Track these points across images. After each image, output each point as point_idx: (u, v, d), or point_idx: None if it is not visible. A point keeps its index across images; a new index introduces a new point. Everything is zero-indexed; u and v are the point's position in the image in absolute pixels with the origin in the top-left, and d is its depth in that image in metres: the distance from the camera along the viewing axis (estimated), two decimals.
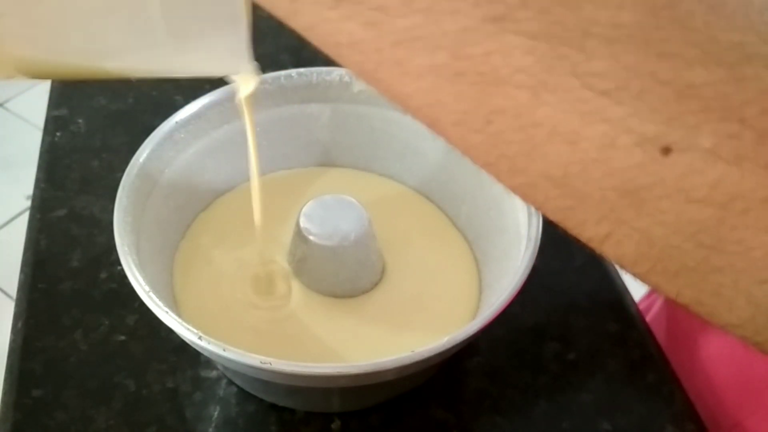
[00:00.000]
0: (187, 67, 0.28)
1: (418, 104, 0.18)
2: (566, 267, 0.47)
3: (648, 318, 0.53)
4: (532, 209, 0.37)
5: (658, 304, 0.53)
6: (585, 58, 0.16)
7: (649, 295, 0.57)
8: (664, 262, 0.18)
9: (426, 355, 0.31)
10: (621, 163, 0.17)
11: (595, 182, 0.17)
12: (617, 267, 0.20)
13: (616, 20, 0.16)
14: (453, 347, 0.32)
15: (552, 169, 0.18)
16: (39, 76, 0.28)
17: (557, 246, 0.47)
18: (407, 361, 0.31)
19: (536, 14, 0.16)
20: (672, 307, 0.51)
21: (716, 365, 0.45)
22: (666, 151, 0.16)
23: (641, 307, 0.55)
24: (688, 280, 0.18)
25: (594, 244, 0.19)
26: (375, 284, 0.41)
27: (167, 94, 0.57)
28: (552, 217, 0.19)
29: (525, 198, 0.19)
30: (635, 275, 0.19)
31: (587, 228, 0.19)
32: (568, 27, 0.16)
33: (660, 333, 0.44)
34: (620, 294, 0.46)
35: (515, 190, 0.19)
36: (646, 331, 0.44)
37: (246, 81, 0.33)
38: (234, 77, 0.33)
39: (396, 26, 0.17)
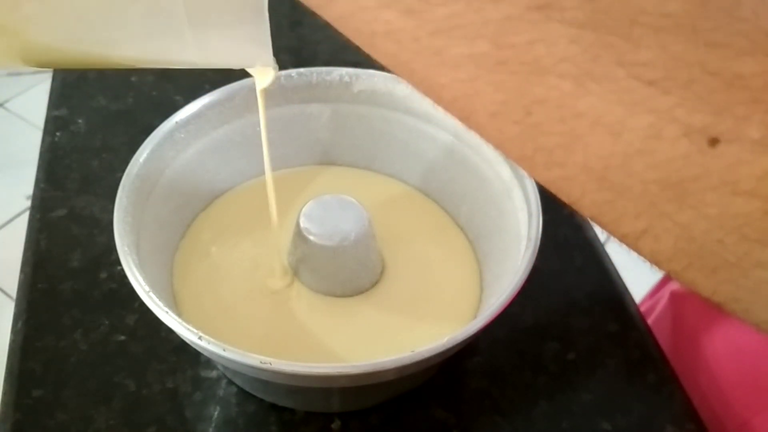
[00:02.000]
0: (205, 58, 0.27)
1: (453, 95, 0.18)
2: (566, 267, 0.47)
3: (652, 318, 0.53)
4: (533, 209, 0.37)
5: (662, 304, 0.53)
6: (632, 48, 0.16)
7: (652, 295, 0.57)
8: (703, 258, 0.18)
9: (426, 355, 0.31)
10: (666, 154, 0.16)
11: (637, 175, 0.17)
12: (650, 264, 0.19)
13: (664, 9, 0.16)
14: (453, 347, 0.32)
15: (592, 162, 0.17)
16: (50, 64, 0.28)
17: (557, 246, 0.47)
18: (407, 361, 0.31)
19: (582, 3, 0.16)
20: (678, 306, 0.51)
21: (722, 365, 0.45)
22: (713, 142, 0.16)
23: (644, 307, 0.55)
24: (727, 276, 0.18)
25: (629, 241, 0.19)
26: (375, 283, 0.41)
27: (167, 94, 0.57)
28: (587, 212, 0.19)
29: (559, 193, 0.19)
30: (670, 272, 0.19)
31: (624, 223, 0.18)
32: (615, 16, 0.16)
33: (665, 333, 0.44)
34: (620, 294, 0.46)
35: (550, 184, 0.19)
36: (646, 331, 0.44)
37: (264, 73, 0.33)
38: (252, 71, 0.33)
39: (436, 14, 0.16)
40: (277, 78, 0.44)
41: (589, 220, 0.19)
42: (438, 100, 0.18)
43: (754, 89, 0.16)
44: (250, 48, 0.27)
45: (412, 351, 0.31)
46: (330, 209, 0.40)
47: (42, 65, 0.27)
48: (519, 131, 0.18)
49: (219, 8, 0.25)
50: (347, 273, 0.40)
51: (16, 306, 0.43)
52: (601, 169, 0.17)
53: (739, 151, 0.16)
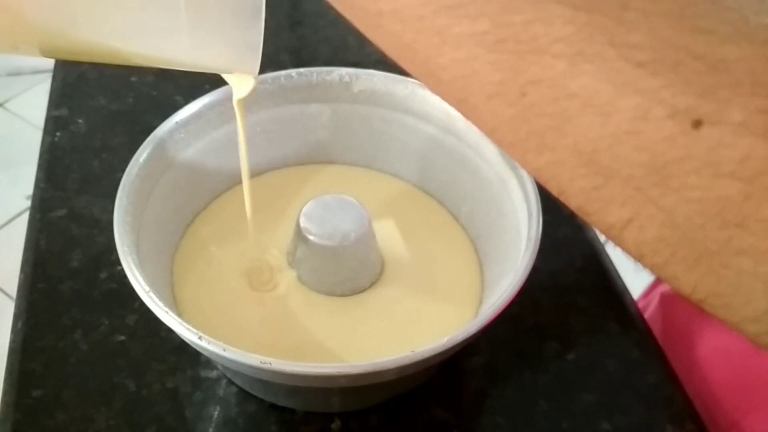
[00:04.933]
0: (197, 59, 0.28)
1: (453, 76, 0.18)
2: (566, 267, 0.47)
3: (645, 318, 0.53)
4: (533, 209, 0.37)
5: (655, 303, 0.53)
6: (623, 30, 0.16)
7: (646, 295, 0.57)
8: (685, 248, 0.18)
9: (426, 355, 0.31)
10: (652, 136, 0.17)
11: (624, 158, 0.17)
12: (634, 260, 0.19)
13: None
14: (453, 347, 0.32)
15: (582, 144, 0.18)
16: (55, 54, 0.28)
17: (557, 246, 0.47)
18: (407, 361, 0.31)
19: None
20: (668, 308, 0.51)
21: (713, 365, 0.45)
22: (697, 124, 0.16)
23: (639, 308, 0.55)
24: (708, 267, 0.18)
25: (614, 232, 0.19)
26: (375, 283, 0.41)
27: (167, 94, 0.57)
28: (575, 201, 0.19)
29: (549, 181, 0.19)
30: (653, 266, 0.19)
31: (611, 211, 0.18)
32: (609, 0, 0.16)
33: (656, 333, 0.44)
34: (620, 294, 0.46)
35: (540, 171, 0.19)
36: (646, 331, 0.44)
37: (242, 83, 0.33)
38: (230, 80, 0.33)
39: None
40: (277, 78, 0.44)
41: (576, 211, 0.19)
42: (437, 82, 0.19)
43: (736, 73, 0.16)
44: (244, 52, 0.27)
45: (412, 351, 0.31)
46: (330, 209, 0.40)
47: (51, 53, 0.27)
48: (513, 113, 0.18)
49: (218, 8, 0.25)
50: (347, 273, 0.40)
51: (16, 306, 0.43)
52: (590, 152, 0.18)
53: (722, 134, 0.16)
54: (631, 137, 0.17)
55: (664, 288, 0.53)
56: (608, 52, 0.16)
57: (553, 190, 0.19)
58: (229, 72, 0.31)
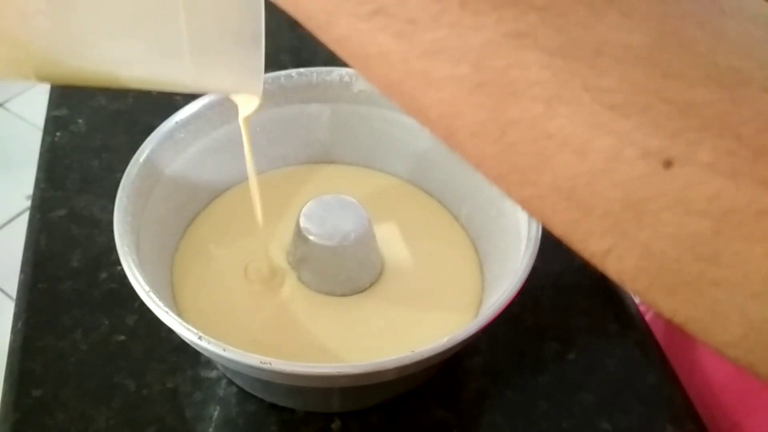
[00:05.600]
0: (201, 83, 0.29)
1: (437, 115, 0.19)
2: (566, 267, 0.47)
3: (646, 319, 0.53)
4: None
5: None
6: (596, 75, 0.17)
7: None
8: (663, 277, 0.19)
9: (426, 355, 0.31)
10: (626, 174, 0.17)
11: (600, 194, 0.18)
12: (618, 283, 0.21)
13: (627, 42, 0.17)
14: (453, 347, 0.32)
15: (561, 181, 0.18)
16: (53, 80, 0.28)
17: (557, 246, 0.47)
18: (407, 361, 0.31)
19: (554, 33, 0.17)
20: None
21: (714, 366, 0.45)
22: (668, 164, 0.17)
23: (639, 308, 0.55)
24: (686, 296, 0.19)
25: (596, 260, 0.20)
26: (375, 283, 0.41)
27: (167, 94, 0.57)
28: (558, 231, 0.20)
29: (532, 212, 0.20)
30: (634, 292, 0.20)
31: (591, 242, 0.19)
32: (582, 45, 0.17)
33: (659, 334, 0.44)
34: (620, 294, 0.46)
35: (524, 203, 0.20)
36: (646, 331, 0.44)
37: (248, 102, 0.33)
38: (236, 98, 0.33)
39: (424, 38, 0.18)
40: (277, 78, 0.44)
41: (561, 239, 0.20)
42: (425, 119, 0.20)
43: (705, 117, 0.17)
44: (244, 75, 0.28)
45: (412, 351, 0.31)
46: (330, 209, 0.40)
47: (49, 79, 0.28)
48: (496, 151, 0.19)
49: (219, 35, 0.26)
50: (347, 273, 0.40)
51: (16, 306, 0.43)
52: (569, 188, 0.18)
53: (692, 174, 0.17)
54: (606, 175, 0.18)
55: None
56: (582, 96, 0.17)
57: (538, 219, 0.20)
58: (235, 92, 0.32)
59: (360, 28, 0.19)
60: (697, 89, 0.17)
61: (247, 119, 0.35)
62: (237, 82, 0.29)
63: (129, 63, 0.27)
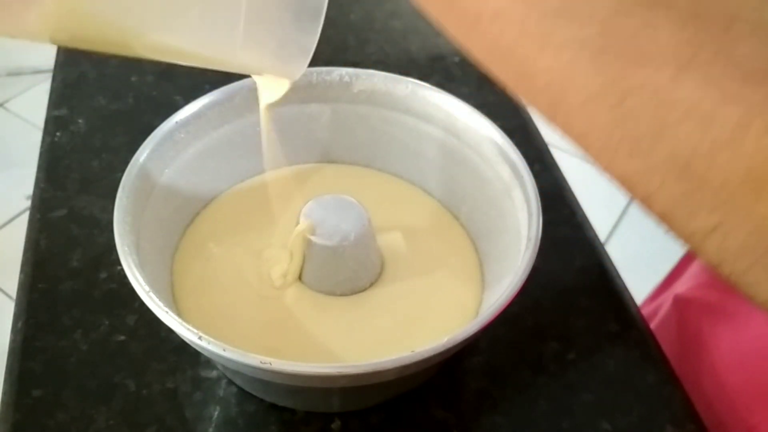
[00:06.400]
0: (245, 58, 0.26)
1: (549, 79, 0.18)
2: (566, 267, 0.47)
3: (654, 323, 0.53)
4: (533, 209, 0.37)
5: (665, 308, 0.53)
6: (731, 42, 0.16)
7: (652, 299, 0.57)
8: None
9: (426, 355, 0.31)
10: (752, 146, 0.17)
11: (720, 166, 0.17)
12: (711, 265, 0.19)
13: (762, 12, 0.17)
14: (453, 347, 0.32)
15: (678, 151, 0.17)
16: (84, 39, 0.26)
17: (557, 246, 0.47)
18: (407, 361, 0.31)
19: None
20: (682, 311, 0.51)
21: (728, 369, 0.44)
22: None
23: (644, 311, 0.55)
24: None
25: (696, 239, 0.19)
26: (375, 283, 0.41)
27: (167, 94, 0.57)
28: (660, 207, 0.19)
29: (635, 185, 0.19)
30: (732, 273, 0.19)
31: (698, 218, 0.18)
32: (717, 12, 0.16)
33: (669, 338, 0.44)
34: (620, 294, 0.46)
35: (628, 176, 0.19)
36: (646, 331, 0.44)
37: (274, 87, 0.31)
38: (261, 82, 0.32)
39: (548, 2, 0.17)
40: None
41: (659, 217, 0.19)
42: (529, 86, 0.19)
43: None
44: (292, 53, 0.26)
45: (412, 351, 0.31)
46: (330, 209, 0.40)
47: (74, 39, 0.26)
48: (609, 119, 0.18)
49: (280, 5, 0.24)
50: (347, 273, 0.40)
51: (16, 306, 0.43)
52: (686, 159, 0.17)
53: None
54: (730, 147, 0.17)
55: (678, 290, 0.52)
56: (715, 63, 0.17)
57: (638, 194, 0.19)
58: (272, 73, 0.30)
59: None
60: None
61: (270, 108, 0.34)
62: (281, 61, 0.27)
63: (181, 29, 0.25)
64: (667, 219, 0.19)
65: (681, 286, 0.52)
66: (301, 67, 0.27)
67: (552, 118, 0.19)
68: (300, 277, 0.41)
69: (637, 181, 0.19)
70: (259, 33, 0.25)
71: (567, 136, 0.19)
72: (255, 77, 0.31)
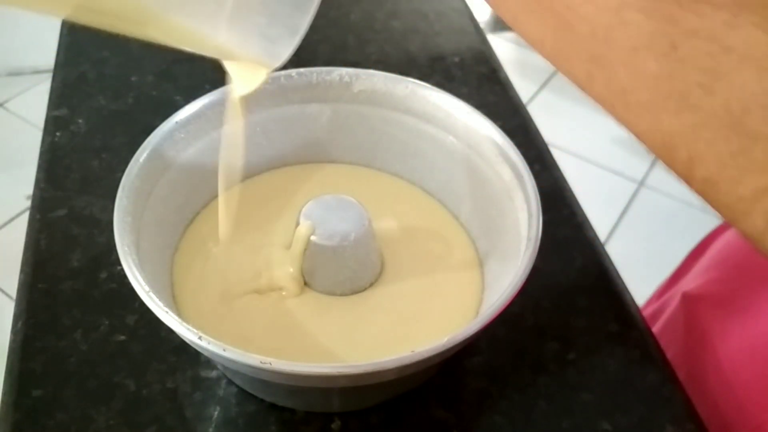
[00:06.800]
0: (229, 34, 0.25)
1: (593, 27, 0.17)
2: (566, 267, 0.47)
3: (661, 321, 0.52)
4: (533, 209, 0.37)
5: (673, 306, 0.52)
6: None
7: (658, 297, 0.57)
8: None
9: (426, 355, 0.31)
10: None
11: None
12: (751, 238, 0.18)
13: None
14: (453, 347, 0.32)
15: (732, 102, 0.16)
16: (80, 14, 0.25)
17: (557, 246, 0.47)
18: (407, 361, 0.31)
19: None
20: (690, 308, 0.50)
21: (736, 366, 0.44)
22: None
23: (650, 309, 0.54)
24: None
25: (742, 206, 0.17)
26: (375, 283, 0.41)
27: (167, 94, 0.57)
28: (706, 168, 0.17)
29: (680, 145, 0.17)
30: None
31: (746, 180, 0.17)
32: None
33: (676, 336, 0.44)
34: (620, 294, 0.46)
35: (672, 134, 0.17)
36: (646, 331, 0.44)
37: (248, 78, 0.31)
38: (235, 73, 0.31)
39: None
40: (277, 78, 0.44)
41: (701, 182, 0.18)
42: (570, 36, 0.17)
43: None
44: (280, 34, 0.25)
45: (412, 351, 0.31)
46: (330, 209, 0.40)
47: (82, 15, 0.25)
48: (658, 69, 0.17)
49: None
50: (347, 273, 0.40)
51: (16, 306, 0.43)
52: (740, 111, 0.16)
53: None
54: None
55: (686, 287, 0.52)
56: None
57: (681, 155, 0.18)
58: (255, 55, 0.28)
59: None
60: None
61: (242, 101, 0.33)
62: (268, 40, 0.25)
63: (170, 7, 0.24)
64: (710, 185, 0.18)
65: (688, 284, 0.52)
66: (287, 49, 0.25)
67: (591, 73, 0.18)
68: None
69: (681, 140, 0.17)
70: (247, 8, 0.24)
71: (605, 94, 0.18)
72: (228, 65, 0.29)
